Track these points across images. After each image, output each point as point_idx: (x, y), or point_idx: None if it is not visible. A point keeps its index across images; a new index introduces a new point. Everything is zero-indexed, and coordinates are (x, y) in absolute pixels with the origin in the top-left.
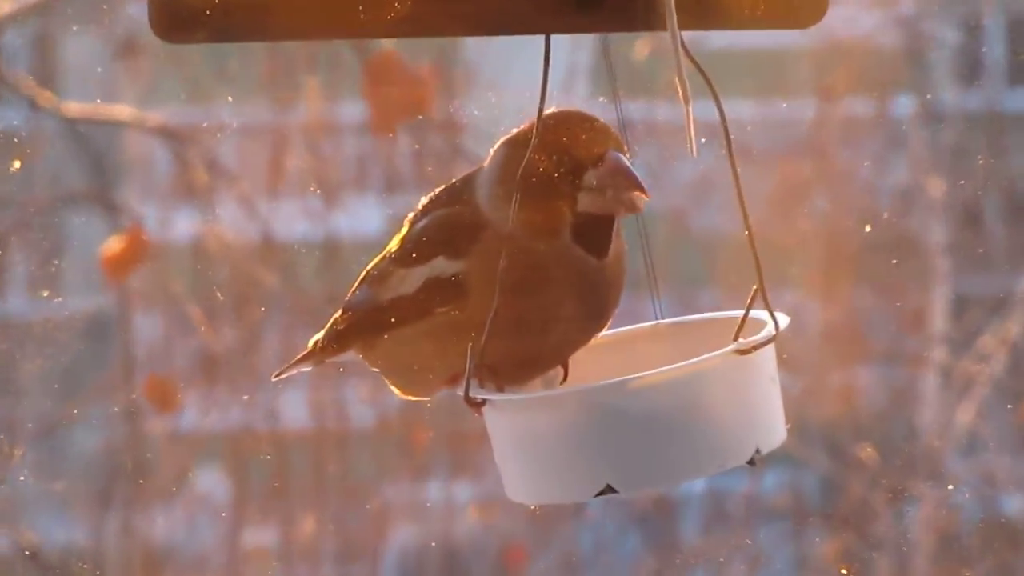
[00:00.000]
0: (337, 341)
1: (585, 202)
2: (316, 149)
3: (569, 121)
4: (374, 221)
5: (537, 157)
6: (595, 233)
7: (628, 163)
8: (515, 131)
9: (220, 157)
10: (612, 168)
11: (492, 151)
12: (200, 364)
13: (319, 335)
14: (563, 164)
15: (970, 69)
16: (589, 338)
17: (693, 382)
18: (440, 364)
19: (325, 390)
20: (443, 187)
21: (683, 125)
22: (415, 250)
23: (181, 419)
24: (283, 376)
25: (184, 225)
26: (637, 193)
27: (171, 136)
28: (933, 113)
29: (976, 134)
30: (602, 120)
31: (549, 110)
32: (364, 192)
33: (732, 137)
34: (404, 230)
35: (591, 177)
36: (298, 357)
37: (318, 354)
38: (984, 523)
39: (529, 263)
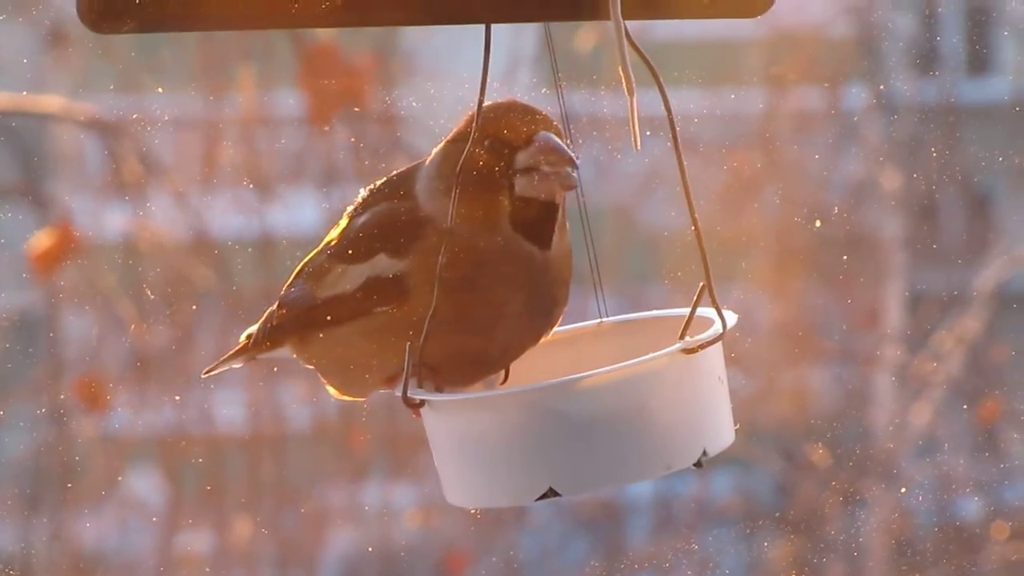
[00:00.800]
0: (271, 337)
1: (521, 186)
2: (250, 142)
3: (504, 109)
4: (311, 215)
5: (474, 150)
6: (536, 221)
7: (558, 141)
8: (456, 128)
9: (152, 150)
10: (541, 146)
11: (435, 148)
12: (131, 363)
13: (252, 329)
14: (495, 151)
15: (925, 59)
16: (538, 338)
17: (638, 382)
18: (378, 363)
19: (260, 391)
20: (383, 180)
21: (628, 117)
22: (355, 246)
23: (111, 420)
24: (213, 372)
25: (114, 220)
26: (568, 169)
27: (101, 128)
28: (887, 104)
29: (931, 125)
30: (542, 111)
31: (488, 102)
32: (300, 186)
33: (679, 130)
34: (343, 224)
35: (522, 158)
36: (229, 353)
37: (251, 350)
38: (939, 527)
39: (473, 259)
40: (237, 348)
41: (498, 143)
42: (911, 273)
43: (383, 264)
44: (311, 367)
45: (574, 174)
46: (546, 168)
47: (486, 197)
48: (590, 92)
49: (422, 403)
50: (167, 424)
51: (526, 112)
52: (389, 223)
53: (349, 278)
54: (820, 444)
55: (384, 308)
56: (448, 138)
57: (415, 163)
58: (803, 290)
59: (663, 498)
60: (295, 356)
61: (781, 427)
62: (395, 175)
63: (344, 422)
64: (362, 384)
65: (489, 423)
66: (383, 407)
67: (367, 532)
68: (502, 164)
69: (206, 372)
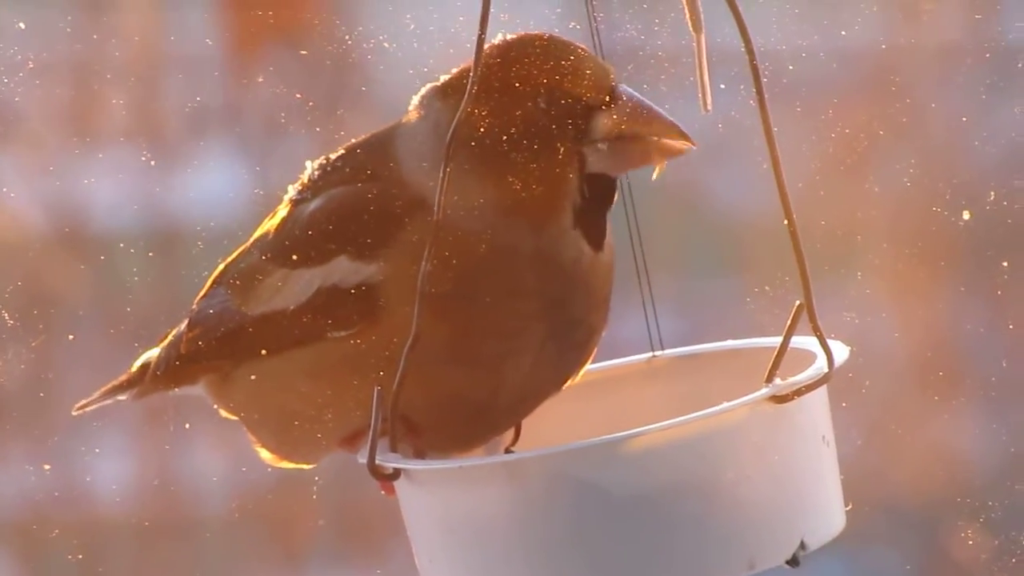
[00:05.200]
0: (177, 372)
1: (597, 158)
2: (144, 92)
3: (555, 50)
4: (231, 197)
5: (474, 110)
6: (595, 211)
7: (643, 97)
8: (454, 71)
9: (5, 103)
10: (630, 104)
11: (418, 99)
12: None
13: (152, 353)
14: (558, 111)
15: None
16: (565, 380)
17: (708, 444)
18: (333, 416)
19: (158, 448)
20: (342, 151)
21: (687, 60)
22: (303, 243)
23: None
24: (89, 408)
25: None
26: (675, 139)
27: None
28: None
29: None
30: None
31: (499, 39)
32: (215, 155)
33: (764, 76)
34: (283, 212)
35: (604, 123)
36: (116, 381)
37: (148, 384)
38: None
39: (486, 265)
40: (126, 377)
41: (563, 100)
42: None
43: (344, 270)
44: (234, 417)
45: (682, 143)
46: (639, 137)
47: (543, 177)
48: (627, 24)
49: (397, 473)
50: (28, 495)
51: (572, 51)
52: (356, 211)
53: (293, 288)
54: (971, 528)
55: (344, 333)
56: (441, 87)
57: (387, 127)
58: (944, 307)
59: None
60: (212, 401)
61: (913, 504)
62: (359, 143)
63: (279, 497)
64: (310, 445)
65: (495, 503)
66: (335, 476)
67: None
68: (568, 129)
69: (79, 407)
